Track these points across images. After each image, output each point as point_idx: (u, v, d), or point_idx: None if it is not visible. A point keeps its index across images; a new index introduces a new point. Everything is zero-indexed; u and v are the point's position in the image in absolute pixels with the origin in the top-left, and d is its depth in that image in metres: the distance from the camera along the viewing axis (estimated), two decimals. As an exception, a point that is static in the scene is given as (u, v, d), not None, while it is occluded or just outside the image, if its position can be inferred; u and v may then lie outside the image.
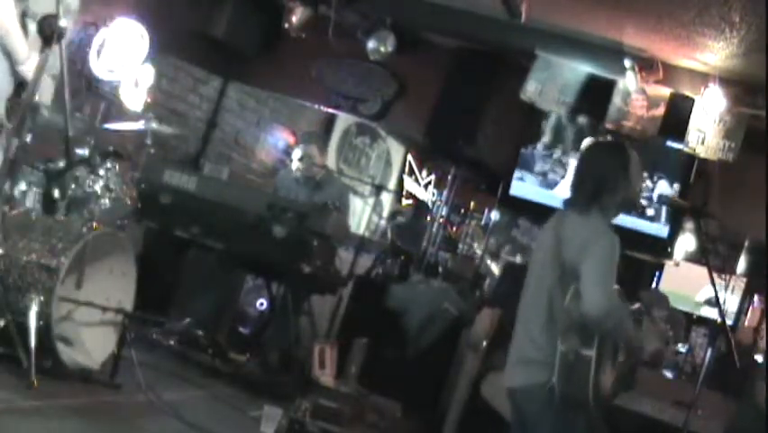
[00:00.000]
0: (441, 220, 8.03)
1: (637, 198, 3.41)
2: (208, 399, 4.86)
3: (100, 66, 6.41)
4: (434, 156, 9.78)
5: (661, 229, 6.76)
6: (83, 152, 4.52)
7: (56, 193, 4.43)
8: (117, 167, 4.64)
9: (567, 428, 3.10)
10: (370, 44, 6.96)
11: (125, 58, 6.51)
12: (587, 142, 6.46)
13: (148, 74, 6.82)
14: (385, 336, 6.04)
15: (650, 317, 3.33)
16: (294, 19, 7.01)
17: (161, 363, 5.04)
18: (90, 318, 4.35)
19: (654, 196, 6.67)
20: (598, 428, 3.35)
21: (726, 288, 6.93)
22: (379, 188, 7.70)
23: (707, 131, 6.05)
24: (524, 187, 7.10)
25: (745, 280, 7.16)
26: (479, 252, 7.46)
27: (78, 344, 4.28)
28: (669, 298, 3.78)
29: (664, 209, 6.74)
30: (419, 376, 5.89)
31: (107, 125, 5.19)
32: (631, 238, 6.35)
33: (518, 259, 7.21)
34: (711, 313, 6.88)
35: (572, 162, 6.88)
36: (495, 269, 7.29)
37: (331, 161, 9.04)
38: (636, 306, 3.30)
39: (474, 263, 7.43)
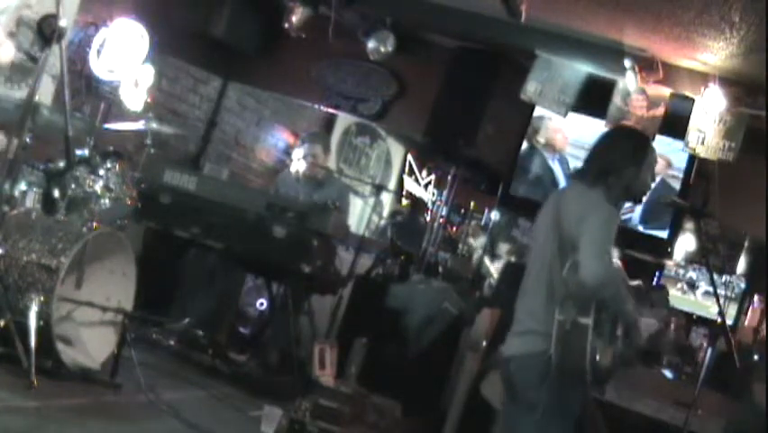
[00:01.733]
0: (441, 220, 8.02)
1: (644, 192, 3.45)
2: (208, 399, 4.86)
3: (100, 66, 6.41)
4: (434, 156, 9.76)
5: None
6: (83, 152, 4.52)
7: (56, 193, 4.42)
8: (117, 167, 4.63)
9: (561, 400, 3.10)
10: (370, 44, 6.96)
11: (125, 58, 6.52)
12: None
13: (148, 74, 6.82)
14: (385, 336, 6.03)
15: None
16: (294, 19, 7.00)
17: (161, 363, 5.04)
18: (90, 318, 4.36)
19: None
20: (590, 409, 3.36)
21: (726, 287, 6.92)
22: (379, 188, 7.67)
23: (707, 131, 6.04)
24: (524, 186, 7.09)
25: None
26: (478, 252, 7.46)
27: (78, 344, 4.28)
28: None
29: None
30: (419, 376, 5.88)
31: (107, 125, 5.18)
32: (631, 238, 6.39)
33: (518, 259, 7.19)
34: (711, 313, 6.87)
35: (572, 162, 6.87)
36: (495, 269, 7.28)
37: (331, 161, 9.04)
38: (637, 282, 3.32)
39: (474, 263, 7.42)
